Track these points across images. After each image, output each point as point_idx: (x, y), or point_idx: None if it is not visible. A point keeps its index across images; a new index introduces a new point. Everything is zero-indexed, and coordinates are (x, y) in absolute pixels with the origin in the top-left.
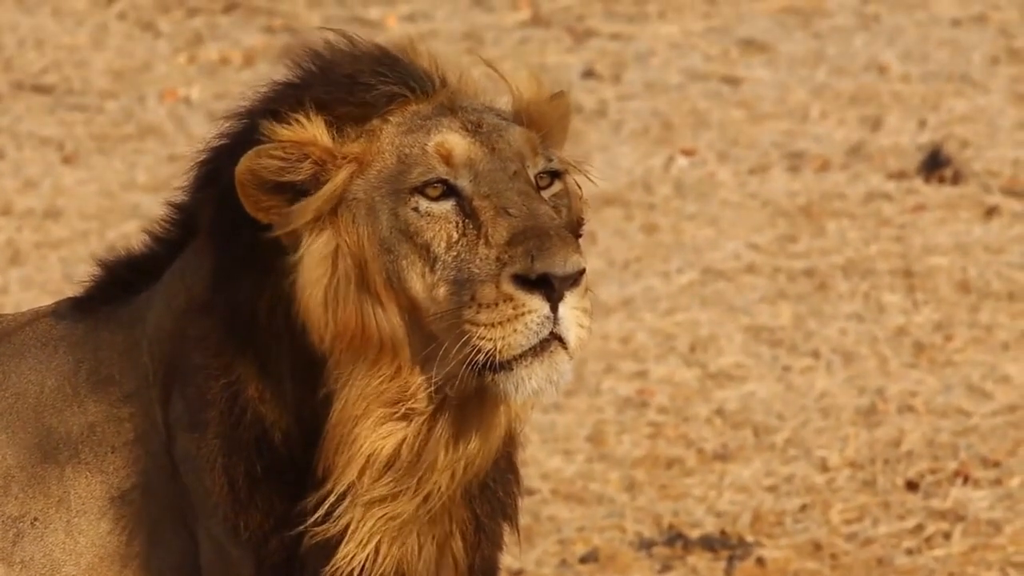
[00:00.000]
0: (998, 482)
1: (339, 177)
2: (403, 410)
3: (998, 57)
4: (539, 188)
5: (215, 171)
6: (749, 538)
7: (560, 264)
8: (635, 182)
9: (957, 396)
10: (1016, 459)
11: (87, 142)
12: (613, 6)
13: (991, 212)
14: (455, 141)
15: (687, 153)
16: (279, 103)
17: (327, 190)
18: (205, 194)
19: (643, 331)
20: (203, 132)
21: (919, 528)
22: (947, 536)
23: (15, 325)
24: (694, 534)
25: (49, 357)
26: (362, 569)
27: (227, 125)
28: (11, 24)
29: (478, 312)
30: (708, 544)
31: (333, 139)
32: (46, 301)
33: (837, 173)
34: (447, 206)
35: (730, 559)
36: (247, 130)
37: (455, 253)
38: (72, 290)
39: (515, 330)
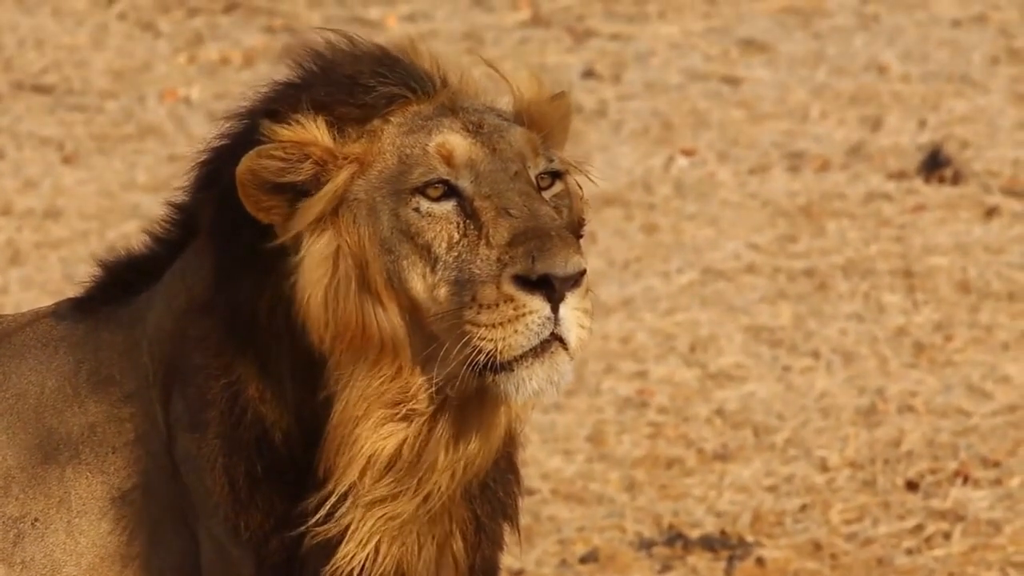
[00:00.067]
0: (998, 482)
1: (340, 178)
2: (404, 411)
3: (998, 57)
4: (540, 189)
5: (216, 171)
6: (749, 538)
7: (561, 265)
8: (635, 182)
9: (957, 396)
10: (1016, 459)
11: (87, 142)
12: (613, 6)
13: (991, 212)
14: (456, 142)
15: (687, 153)
16: (280, 103)
17: (328, 190)
18: (206, 194)
19: (643, 331)
20: (203, 132)
21: (919, 528)
22: (947, 536)
23: (15, 326)
24: (694, 534)
25: (49, 358)
26: (362, 569)
27: (228, 125)
28: (11, 24)
29: (479, 313)
30: (708, 544)
31: (334, 139)
32: (46, 301)
33: (837, 173)
34: (448, 207)
35: (730, 559)
36: (248, 130)
37: (456, 254)
38: (72, 290)
39: (516, 331)
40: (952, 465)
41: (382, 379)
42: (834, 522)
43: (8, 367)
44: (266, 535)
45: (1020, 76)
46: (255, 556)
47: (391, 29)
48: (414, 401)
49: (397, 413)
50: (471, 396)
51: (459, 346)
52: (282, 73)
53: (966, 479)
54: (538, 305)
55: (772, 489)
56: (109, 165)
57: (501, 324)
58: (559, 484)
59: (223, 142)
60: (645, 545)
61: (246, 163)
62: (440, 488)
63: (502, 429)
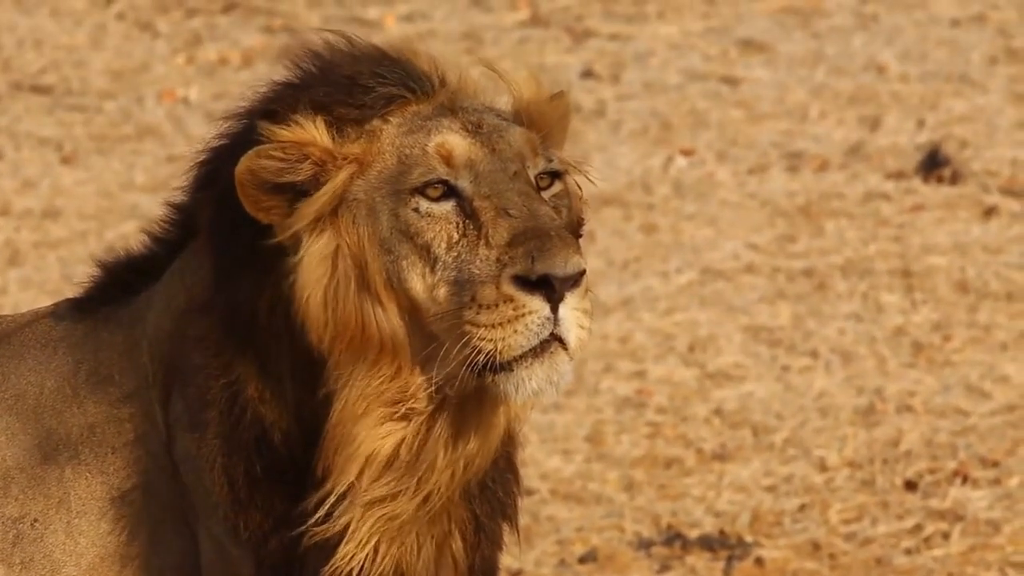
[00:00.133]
0: (997, 482)
1: (339, 178)
2: (403, 410)
3: (997, 57)
4: (539, 189)
5: (214, 171)
6: (748, 538)
7: (560, 265)
8: (634, 182)
9: (956, 396)
10: (1015, 459)
11: (86, 142)
12: (612, 6)
13: (990, 212)
14: (455, 142)
15: (686, 153)
16: (279, 104)
17: (327, 191)
18: (204, 194)
19: (642, 331)
20: (202, 132)
21: (918, 528)
22: (946, 536)
23: (14, 326)
24: (693, 534)
25: (49, 358)
26: (361, 569)
27: (226, 126)
28: (10, 24)
29: (478, 313)
30: (707, 544)
31: (333, 140)
32: (45, 301)
33: (836, 173)
34: (447, 207)
35: (729, 559)
36: (247, 131)
37: (455, 254)
38: (71, 291)
39: (515, 331)
40: (951, 465)
41: (381, 379)
42: (833, 522)
43: (7, 367)
44: (265, 535)
45: (1019, 76)
46: (255, 556)
47: (390, 29)
48: (413, 400)
49: (396, 412)
50: (470, 396)
51: (459, 346)
52: (281, 73)
53: (965, 479)
54: (538, 305)
55: (771, 489)
56: (108, 165)
57: (501, 324)
58: (558, 484)
59: (222, 142)
60: (644, 545)
61: (245, 163)
62: (439, 488)
63: (501, 429)
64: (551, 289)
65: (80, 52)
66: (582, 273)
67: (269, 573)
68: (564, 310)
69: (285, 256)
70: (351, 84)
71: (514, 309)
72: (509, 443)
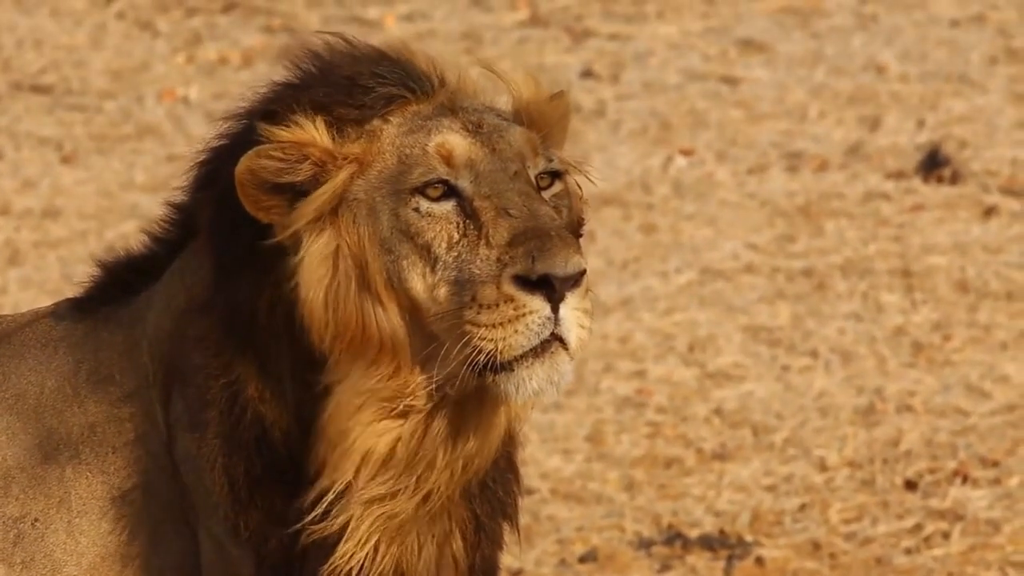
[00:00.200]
0: (997, 481)
1: (339, 178)
2: (400, 407)
3: (996, 57)
4: (540, 188)
5: (214, 171)
6: (748, 538)
7: (561, 265)
8: (633, 182)
9: (956, 396)
10: (1015, 458)
11: (86, 142)
12: (611, 6)
13: (990, 212)
14: (456, 142)
15: (685, 153)
16: (279, 104)
17: (327, 190)
18: (204, 194)
19: (642, 331)
20: (202, 132)
21: (918, 528)
22: (946, 536)
23: (15, 326)
24: (693, 534)
25: (49, 358)
26: (361, 568)
27: (226, 126)
28: (10, 24)
29: (479, 313)
30: (707, 544)
31: (333, 140)
32: (45, 301)
33: (835, 173)
34: (448, 207)
35: (729, 559)
36: (246, 131)
37: (456, 254)
38: (71, 290)
39: (516, 331)
40: (951, 465)
41: (379, 377)
42: (833, 522)
43: (8, 367)
44: (266, 535)
45: (1018, 76)
46: (255, 556)
47: (389, 29)
48: (411, 398)
49: (393, 409)
50: (470, 395)
51: (459, 346)
52: (281, 74)
53: (965, 479)
54: (538, 305)
55: (771, 489)
56: (108, 165)
57: (501, 324)
58: (558, 484)
59: (222, 142)
60: (644, 545)
61: (245, 163)
62: (439, 487)
63: (502, 428)
64: (551, 289)
65: (80, 52)
66: (582, 273)
67: (269, 573)
68: (564, 310)
69: (285, 256)
70: (351, 84)
71: (515, 309)
72: (509, 443)
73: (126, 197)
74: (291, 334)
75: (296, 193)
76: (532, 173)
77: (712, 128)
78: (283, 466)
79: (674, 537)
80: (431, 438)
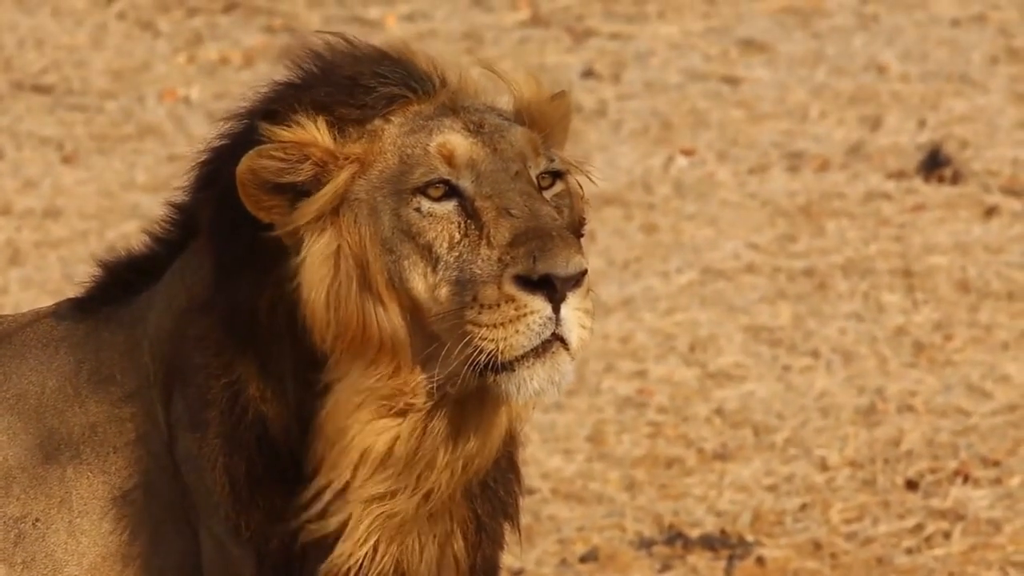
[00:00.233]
0: (998, 481)
1: (340, 177)
2: (399, 406)
3: (997, 57)
4: (541, 188)
5: (215, 171)
6: (749, 537)
7: (562, 265)
8: (635, 182)
9: (957, 396)
10: (1016, 458)
11: (87, 142)
12: (613, 6)
13: (990, 212)
14: (457, 142)
15: (686, 153)
16: (280, 104)
17: (328, 190)
18: (205, 194)
19: (643, 331)
20: (203, 132)
21: (919, 527)
22: (947, 535)
23: (16, 326)
24: (694, 533)
25: (50, 358)
26: (361, 567)
27: (227, 126)
28: (11, 24)
29: (480, 313)
30: (708, 543)
31: (334, 140)
32: (46, 301)
33: (836, 173)
34: (449, 207)
35: (730, 558)
36: (247, 131)
37: (457, 254)
38: (72, 290)
39: (517, 331)
40: (952, 464)
41: (378, 376)
42: (834, 521)
43: (9, 367)
44: (267, 534)
45: (1019, 76)
46: (256, 555)
47: (390, 29)
48: (411, 396)
49: (392, 408)
50: (471, 395)
51: (460, 346)
52: (282, 74)
53: (966, 478)
54: (539, 305)
55: (772, 488)
56: (109, 165)
57: (502, 324)
58: (559, 483)
59: (223, 142)
60: (645, 544)
61: (246, 163)
62: (440, 487)
63: (502, 428)
64: (553, 289)
65: (81, 52)
66: (584, 273)
67: (270, 572)
68: (566, 310)
69: (286, 256)
70: (352, 84)
71: (516, 309)
72: (511, 442)
73: (127, 197)
74: (292, 334)
75: (297, 193)
76: (533, 173)
77: (713, 128)
78: (284, 466)
79: (675, 537)
80: (431, 437)
